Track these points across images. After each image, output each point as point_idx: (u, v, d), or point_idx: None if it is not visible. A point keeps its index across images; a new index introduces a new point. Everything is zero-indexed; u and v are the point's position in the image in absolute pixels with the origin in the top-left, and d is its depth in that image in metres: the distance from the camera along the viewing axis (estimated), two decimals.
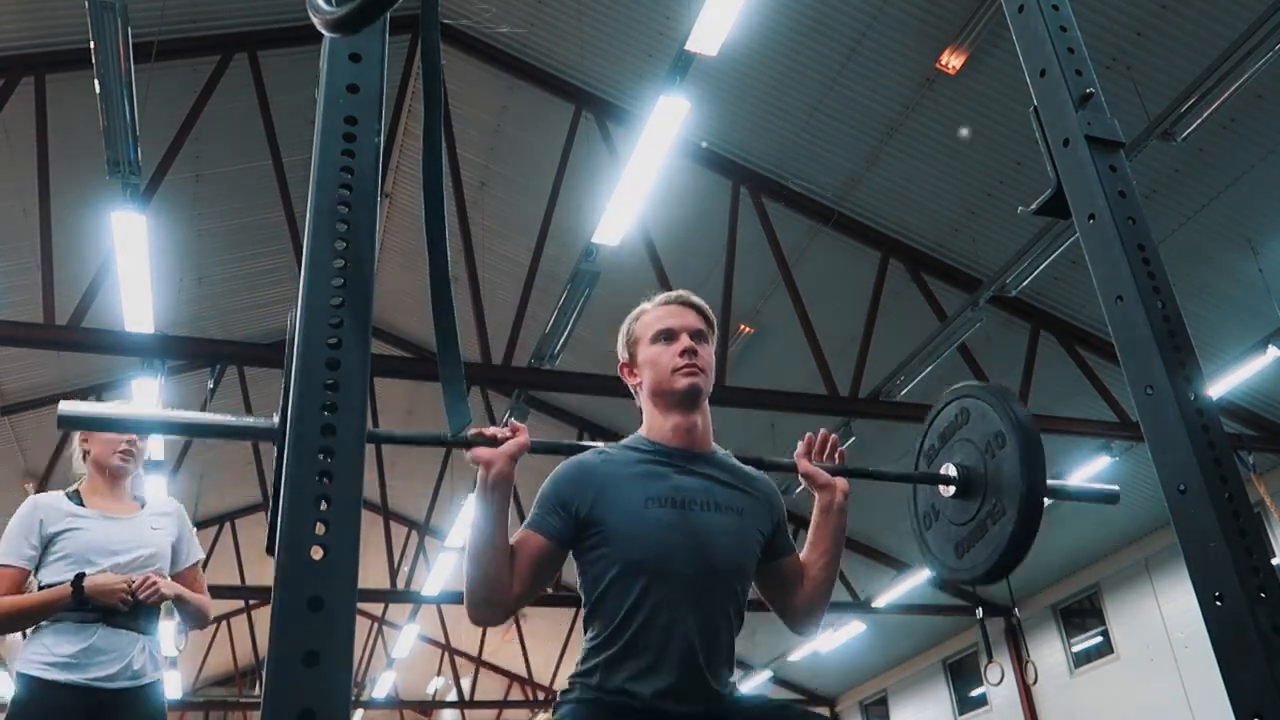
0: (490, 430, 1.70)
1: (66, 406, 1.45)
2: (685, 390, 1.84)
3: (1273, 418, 9.14)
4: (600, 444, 1.91)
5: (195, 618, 2.96)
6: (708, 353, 1.89)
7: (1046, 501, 1.94)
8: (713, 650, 1.75)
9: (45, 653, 2.67)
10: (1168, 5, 6.40)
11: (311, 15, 1.20)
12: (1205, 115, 6.21)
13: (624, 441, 1.90)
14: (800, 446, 1.96)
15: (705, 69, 7.26)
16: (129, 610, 2.73)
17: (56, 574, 2.75)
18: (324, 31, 1.21)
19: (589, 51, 8.02)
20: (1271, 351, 7.57)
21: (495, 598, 1.70)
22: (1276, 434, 9.17)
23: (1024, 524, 1.89)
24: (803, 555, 1.93)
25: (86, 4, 5.27)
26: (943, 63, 7.13)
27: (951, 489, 2.07)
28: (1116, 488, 2.26)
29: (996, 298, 8.01)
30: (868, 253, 8.76)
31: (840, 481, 1.92)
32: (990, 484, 1.98)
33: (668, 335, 1.88)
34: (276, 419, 1.41)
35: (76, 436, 2.99)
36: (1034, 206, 1.88)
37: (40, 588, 2.77)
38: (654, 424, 1.88)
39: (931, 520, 2.17)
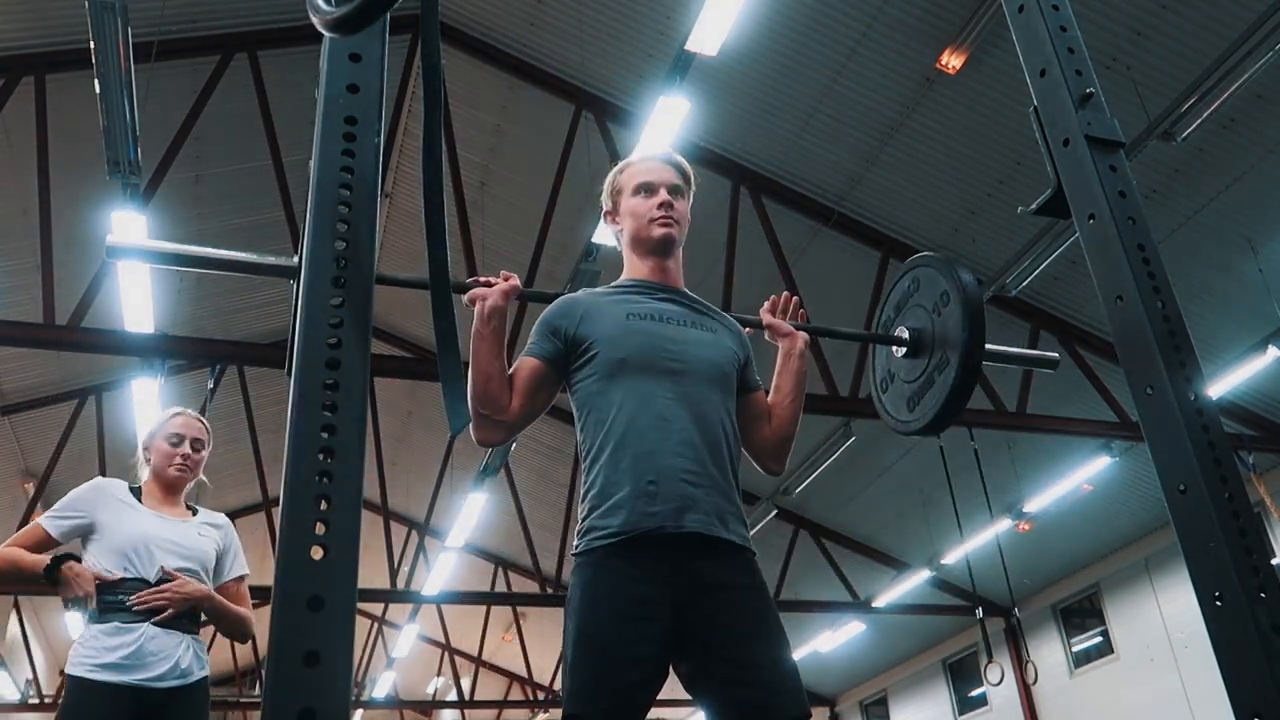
0: (485, 279, 1.93)
1: (114, 239, 1.67)
2: (660, 239, 2.02)
3: (1273, 418, 9.14)
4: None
5: (235, 629, 2.96)
6: (683, 206, 2.08)
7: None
8: (712, 445, 1.82)
9: (94, 654, 2.68)
10: (1168, 5, 6.40)
11: (311, 15, 1.20)
12: (1205, 115, 6.21)
13: (607, 285, 2.09)
14: (765, 305, 2.21)
15: (705, 69, 7.26)
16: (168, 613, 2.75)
17: (103, 558, 2.78)
18: (324, 31, 1.21)
19: (589, 51, 8.02)
20: (1271, 351, 7.57)
21: (496, 415, 1.86)
22: (1276, 434, 9.17)
23: (965, 369, 2.08)
24: (769, 397, 2.10)
25: (86, 4, 5.26)
26: (943, 63, 7.13)
27: (903, 349, 2.28)
28: (1056, 355, 2.48)
29: (996, 298, 8.01)
30: (868, 253, 8.76)
31: (800, 333, 2.14)
32: (937, 340, 2.18)
33: (648, 189, 2.06)
34: (296, 259, 1.51)
35: (139, 446, 3.07)
36: (1034, 206, 1.89)
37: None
38: (632, 266, 2.08)
39: (888, 384, 2.38)
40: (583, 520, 1.80)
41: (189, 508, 3.05)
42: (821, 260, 9.01)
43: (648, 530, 1.72)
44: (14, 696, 14.90)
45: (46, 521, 2.81)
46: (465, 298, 1.89)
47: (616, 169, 2.16)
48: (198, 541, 2.94)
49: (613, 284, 2.07)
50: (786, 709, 1.69)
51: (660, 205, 2.02)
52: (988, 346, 2.14)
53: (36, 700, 14.59)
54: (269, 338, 10.98)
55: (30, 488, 11.38)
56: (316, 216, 1.27)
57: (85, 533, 2.82)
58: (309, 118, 1.36)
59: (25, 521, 10.75)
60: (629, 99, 8.25)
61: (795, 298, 2.21)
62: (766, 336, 2.17)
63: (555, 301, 2.01)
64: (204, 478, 3.09)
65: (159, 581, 2.79)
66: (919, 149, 7.93)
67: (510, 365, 1.92)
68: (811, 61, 7.52)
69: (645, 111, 6.61)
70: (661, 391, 1.83)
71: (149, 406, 8.40)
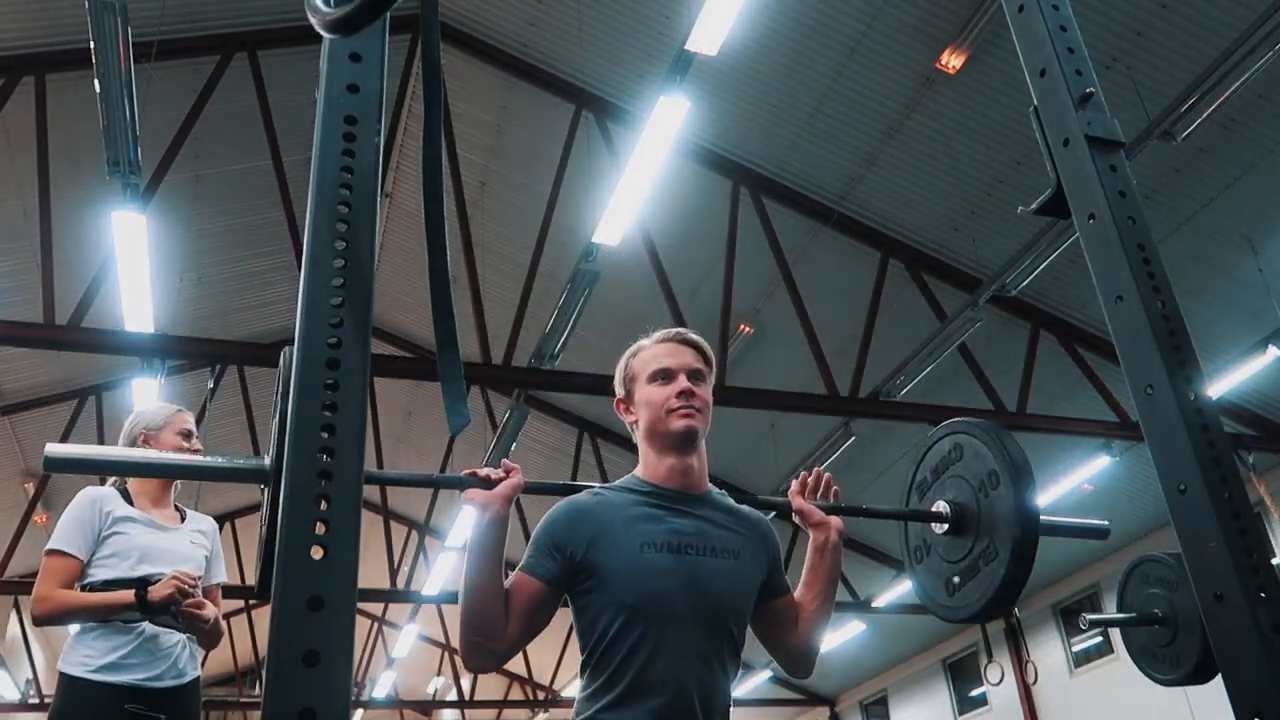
0: (484, 471, 1.71)
1: (53, 449, 1.39)
2: (681, 432, 1.81)
3: (1273, 418, 9.14)
4: (595, 485, 1.89)
5: (212, 639, 2.92)
6: (705, 393, 1.86)
7: None
8: (709, 698, 1.72)
9: (94, 654, 2.65)
10: (1168, 5, 6.40)
11: (310, 16, 1.20)
12: (1205, 115, 6.20)
13: (619, 482, 1.88)
14: (794, 484, 1.95)
15: (705, 69, 7.26)
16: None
17: (109, 570, 2.73)
18: (323, 32, 1.21)
19: (589, 51, 8.02)
20: (1271, 351, 7.57)
21: (490, 643, 1.70)
22: (1276, 434, 9.17)
23: (1017, 567, 1.88)
24: (797, 594, 1.92)
25: (86, 4, 5.27)
26: (943, 63, 7.13)
27: (944, 526, 2.05)
28: (1106, 524, 2.26)
29: (996, 298, 8.01)
30: (868, 253, 8.76)
31: (834, 520, 1.91)
32: (983, 523, 1.96)
33: (665, 375, 1.84)
34: (268, 460, 1.34)
35: (138, 436, 2.93)
36: (1034, 206, 1.89)
37: (89, 583, 2.73)
38: (649, 464, 1.86)
39: (923, 554, 2.15)
40: (576, 715, 1.75)
41: (177, 509, 3.00)
42: (821, 260, 9.01)
43: None
44: (14, 696, 14.90)
45: (64, 547, 2.71)
46: (461, 497, 1.70)
47: (629, 352, 1.93)
48: (192, 551, 2.91)
49: (626, 483, 1.86)
50: None
51: (680, 394, 1.81)
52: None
53: (36, 700, 14.59)
54: (269, 338, 10.99)
55: (30, 488, 11.38)
56: (316, 216, 1.26)
57: (100, 540, 2.76)
58: (309, 118, 1.36)
59: (25, 521, 10.76)
60: (629, 99, 8.25)
61: (827, 475, 1.96)
62: (796, 521, 1.94)
63: (560, 507, 1.81)
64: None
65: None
66: (919, 149, 7.93)
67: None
68: (811, 61, 7.52)
69: (645, 111, 6.61)
70: (669, 645, 1.69)
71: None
